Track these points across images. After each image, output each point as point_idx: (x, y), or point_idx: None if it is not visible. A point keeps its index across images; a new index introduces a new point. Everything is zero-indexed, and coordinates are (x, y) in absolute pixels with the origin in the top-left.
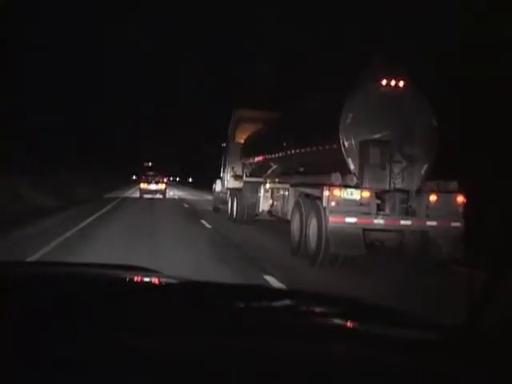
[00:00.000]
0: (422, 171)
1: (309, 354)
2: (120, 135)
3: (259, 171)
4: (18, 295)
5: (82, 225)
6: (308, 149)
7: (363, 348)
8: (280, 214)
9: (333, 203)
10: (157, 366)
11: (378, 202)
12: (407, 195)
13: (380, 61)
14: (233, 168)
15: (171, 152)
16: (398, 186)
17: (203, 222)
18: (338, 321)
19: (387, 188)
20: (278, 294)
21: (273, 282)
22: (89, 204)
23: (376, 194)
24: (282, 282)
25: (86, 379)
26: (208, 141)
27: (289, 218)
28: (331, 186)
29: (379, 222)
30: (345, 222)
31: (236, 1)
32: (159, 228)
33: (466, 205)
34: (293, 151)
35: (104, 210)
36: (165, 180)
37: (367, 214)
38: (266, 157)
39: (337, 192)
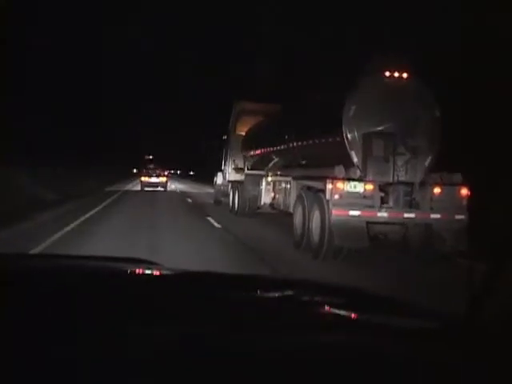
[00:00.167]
0: (426, 163)
1: (309, 344)
2: (120, 135)
3: (261, 164)
4: (19, 288)
5: (82, 218)
6: (310, 141)
7: (363, 337)
8: (282, 207)
9: (336, 196)
10: (158, 357)
11: (382, 194)
12: (411, 188)
13: (382, 55)
14: (234, 161)
15: (171, 152)
16: (402, 178)
17: (209, 218)
18: (338, 310)
19: (391, 180)
20: (278, 283)
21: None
22: (90, 197)
23: (379, 186)
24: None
25: (87, 369)
26: (208, 140)
27: (291, 210)
28: (334, 178)
29: (383, 214)
30: (348, 215)
31: (236, 1)
32: (160, 221)
33: (470, 197)
34: (295, 144)
35: (105, 204)
36: (166, 173)
37: (371, 206)
38: (268, 149)
39: (340, 185)
